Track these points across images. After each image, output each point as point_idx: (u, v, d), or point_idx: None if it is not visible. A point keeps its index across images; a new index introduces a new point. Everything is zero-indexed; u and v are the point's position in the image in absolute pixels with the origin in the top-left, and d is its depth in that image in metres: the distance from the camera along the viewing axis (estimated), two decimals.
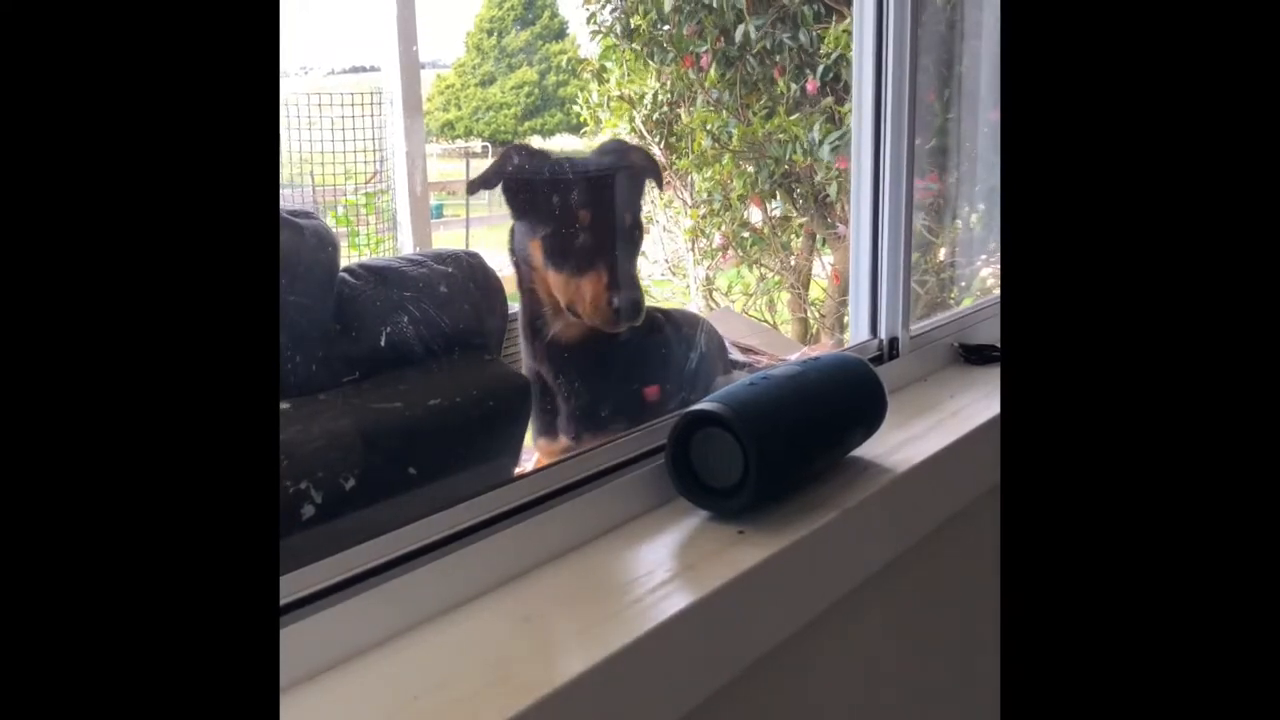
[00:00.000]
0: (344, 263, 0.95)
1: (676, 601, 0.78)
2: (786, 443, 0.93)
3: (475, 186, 1.16)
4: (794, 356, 2.20)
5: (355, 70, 2.12)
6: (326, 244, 0.86)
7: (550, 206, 1.12)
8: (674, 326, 1.30)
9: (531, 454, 1.19)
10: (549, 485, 0.88)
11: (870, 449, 1.08)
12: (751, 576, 0.84)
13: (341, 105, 2.06)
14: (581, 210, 1.11)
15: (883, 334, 1.34)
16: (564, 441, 1.18)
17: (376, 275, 0.90)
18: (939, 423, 1.20)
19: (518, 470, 1.02)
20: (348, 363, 0.83)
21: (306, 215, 0.86)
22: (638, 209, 1.19)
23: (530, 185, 1.14)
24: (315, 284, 0.83)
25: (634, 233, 1.16)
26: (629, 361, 1.20)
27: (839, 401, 1.01)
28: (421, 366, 0.86)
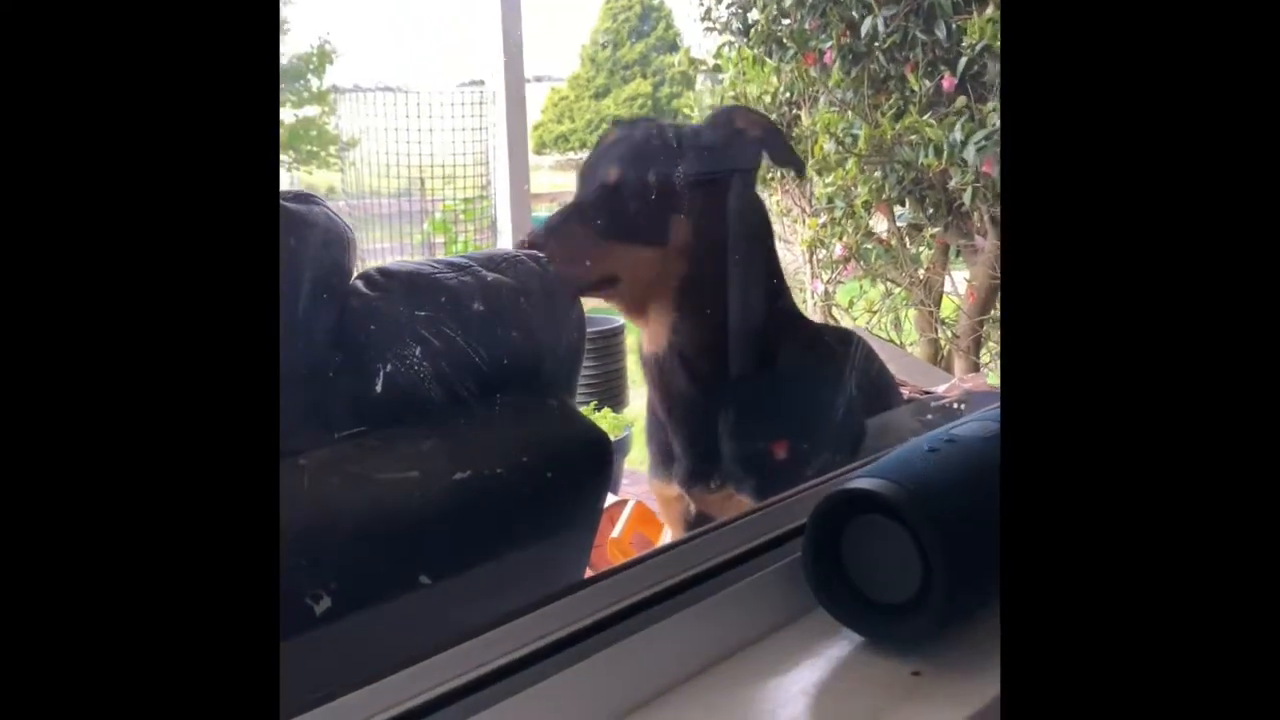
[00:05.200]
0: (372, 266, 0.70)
1: None
2: (987, 543, 0.62)
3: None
4: (941, 388, 1.87)
5: (473, 84, 2.33)
6: (333, 239, 0.61)
7: (593, 175, 0.93)
8: (827, 346, 1.03)
9: (626, 500, 0.94)
10: (629, 595, 0.62)
11: None
12: None
13: (449, 115, 2.30)
14: (610, 168, 0.91)
15: None
16: (675, 489, 0.93)
17: (402, 285, 0.63)
18: None
19: (590, 564, 0.75)
20: (349, 409, 0.58)
21: (307, 199, 0.61)
22: (729, 184, 0.94)
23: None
24: (310, 294, 0.58)
25: (742, 215, 0.93)
26: (751, 397, 0.92)
27: None
28: (455, 416, 0.59)
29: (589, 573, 0.80)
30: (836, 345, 1.06)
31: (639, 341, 0.96)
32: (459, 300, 0.63)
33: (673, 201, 0.93)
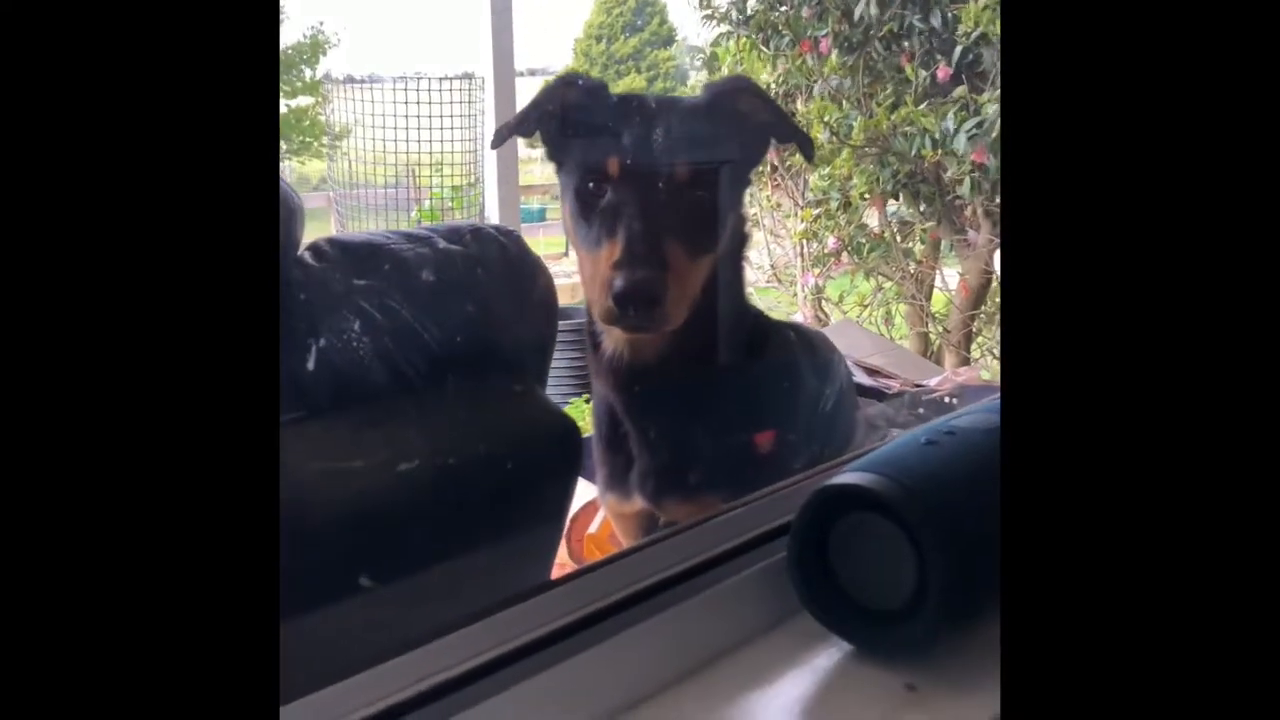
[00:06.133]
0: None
1: None
2: (990, 544, 0.57)
3: (504, 135, 0.84)
4: (933, 382, 1.82)
5: (464, 77, 2.37)
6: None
7: (584, 155, 0.79)
8: (806, 348, 0.93)
9: (589, 516, 0.86)
10: (598, 598, 0.56)
11: None
12: None
13: (440, 106, 2.30)
14: (610, 158, 0.76)
15: None
16: (638, 503, 0.84)
17: (349, 256, 0.57)
18: None
19: (577, 558, 0.69)
20: (287, 390, 0.52)
21: None
22: (733, 174, 0.84)
23: (570, 128, 0.81)
24: None
25: (718, 207, 0.81)
26: (734, 395, 0.84)
27: None
28: (401, 399, 0.53)
29: (560, 572, 0.74)
30: (807, 341, 0.97)
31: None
32: (406, 269, 0.56)
33: (725, 198, 0.82)
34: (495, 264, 0.62)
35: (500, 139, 0.85)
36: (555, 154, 0.84)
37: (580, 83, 0.83)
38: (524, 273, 0.65)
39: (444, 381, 0.57)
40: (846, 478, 0.59)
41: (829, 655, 0.60)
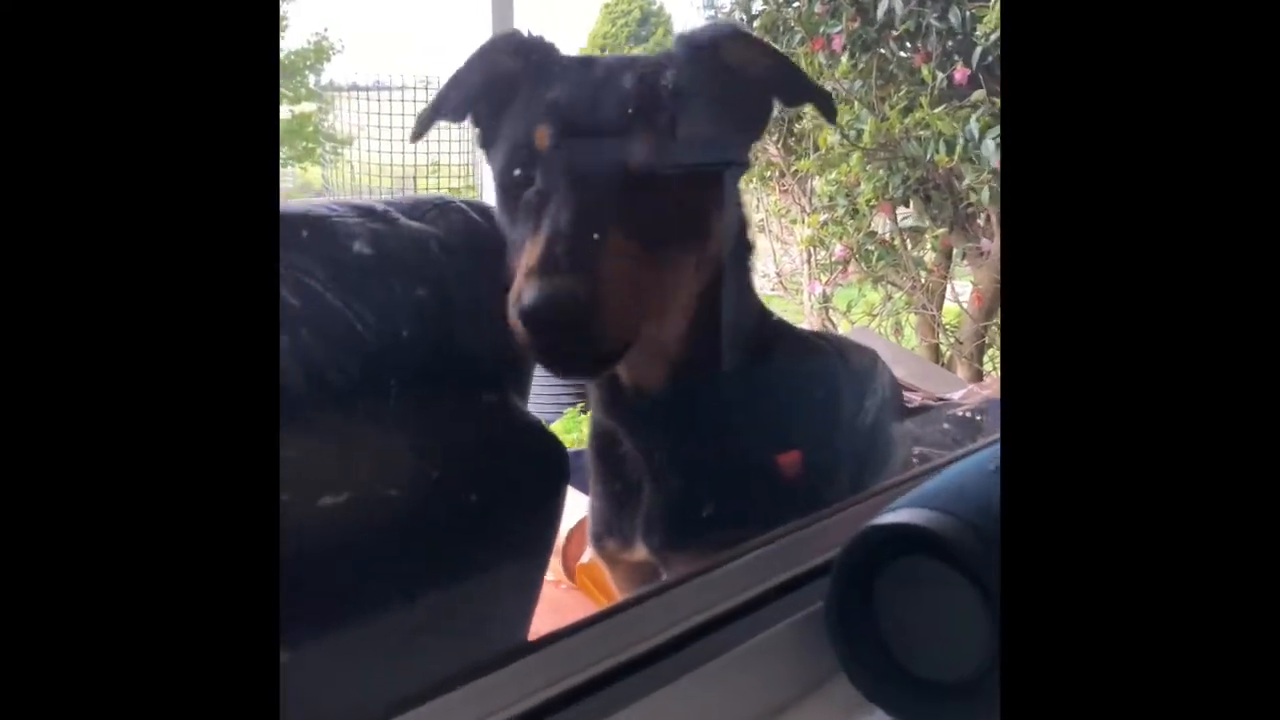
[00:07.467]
0: None
1: None
2: None
3: (424, 123, 0.67)
4: (958, 395, 1.71)
5: None
6: None
7: (510, 133, 0.62)
8: (840, 357, 0.80)
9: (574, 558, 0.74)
10: (593, 661, 0.45)
11: None
12: None
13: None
14: (538, 129, 0.59)
15: None
16: (641, 552, 0.71)
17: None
18: None
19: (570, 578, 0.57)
20: None
21: None
22: (722, 148, 0.68)
23: (506, 103, 0.64)
24: None
25: (699, 192, 0.64)
26: (763, 425, 0.68)
27: None
28: (326, 411, 0.41)
29: (557, 619, 0.63)
30: (854, 354, 0.83)
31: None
32: (333, 240, 0.43)
33: (712, 181, 0.66)
34: (459, 241, 0.49)
35: (421, 129, 0.67)
36: (486, 139, 0.67)
37: (518, 44, 0.66)
38: (499, 253, 0.52)
39: (385, 388, 0.45)
40: (900, 515, 0.48)
41: None
